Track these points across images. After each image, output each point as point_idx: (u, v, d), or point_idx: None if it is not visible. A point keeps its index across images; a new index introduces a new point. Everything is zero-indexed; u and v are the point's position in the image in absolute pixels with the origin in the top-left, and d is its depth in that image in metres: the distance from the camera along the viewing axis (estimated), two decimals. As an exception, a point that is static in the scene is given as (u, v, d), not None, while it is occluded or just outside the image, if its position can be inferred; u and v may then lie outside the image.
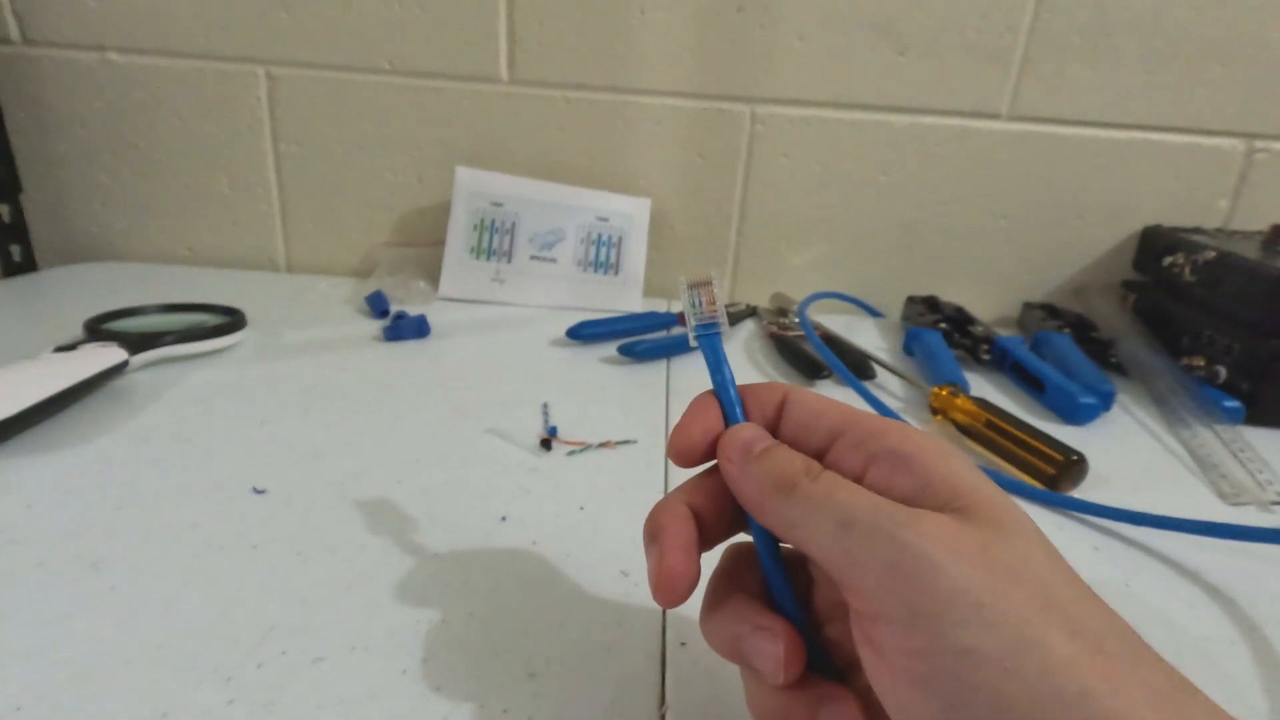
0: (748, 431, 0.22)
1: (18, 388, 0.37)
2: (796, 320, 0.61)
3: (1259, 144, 0.65)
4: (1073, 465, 0.39)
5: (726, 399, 0.23)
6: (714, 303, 0.24)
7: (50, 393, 0.38)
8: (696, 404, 0.23)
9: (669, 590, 0.20)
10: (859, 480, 0.20)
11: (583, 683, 0.25)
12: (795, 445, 0.21)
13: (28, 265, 0.70)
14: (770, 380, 0.24)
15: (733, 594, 0.22)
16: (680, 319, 0.62)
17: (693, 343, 0.25)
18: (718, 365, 0.23)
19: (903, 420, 0.22)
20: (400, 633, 0.26)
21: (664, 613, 0.28)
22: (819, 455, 0.21)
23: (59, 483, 0.34)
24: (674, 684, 0.25)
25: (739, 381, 0.23)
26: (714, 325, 0.24)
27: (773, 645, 0.20)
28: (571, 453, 0.40)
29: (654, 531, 0.22)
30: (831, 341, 0.58)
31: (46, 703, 0.23)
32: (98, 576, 0.28)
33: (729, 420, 0.23)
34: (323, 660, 0.25)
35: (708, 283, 0.24)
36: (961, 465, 0.19)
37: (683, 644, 0.27)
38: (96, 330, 0.48)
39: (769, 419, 0.23)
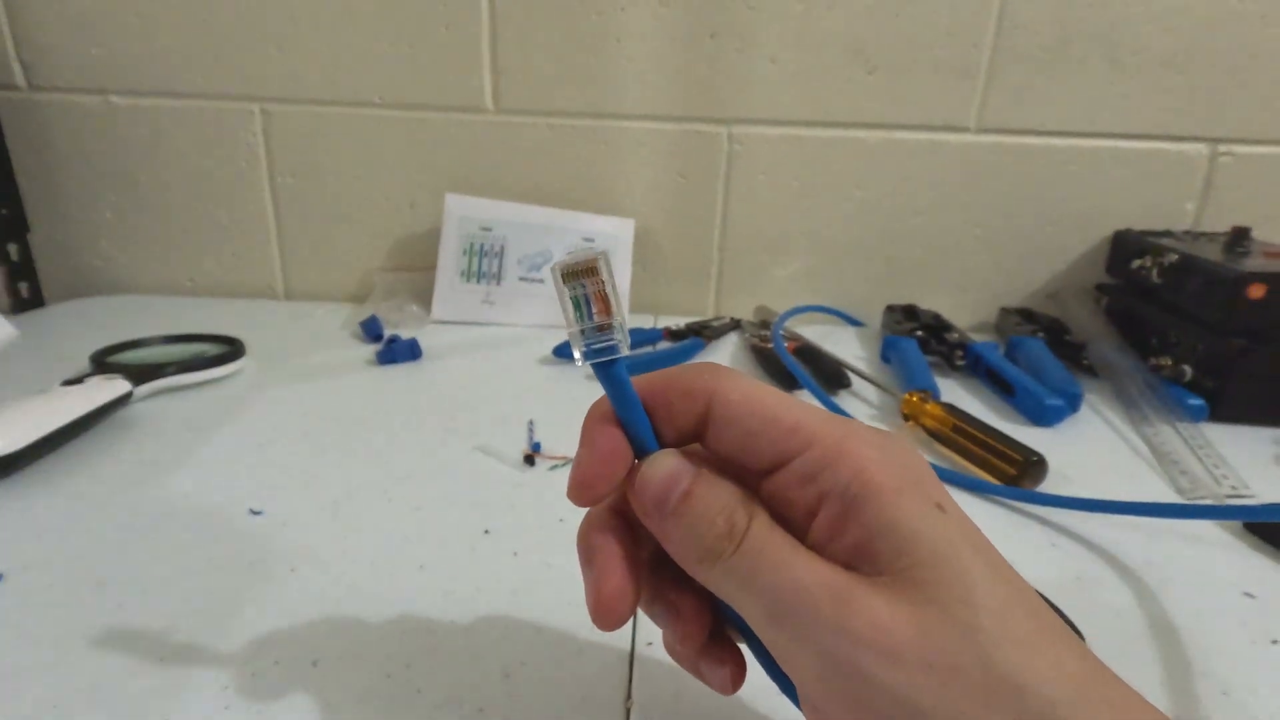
0: (658, 472, 0.19)
1: (28, 422, 0.39)
2: (777, 332, 0.63)
3: (1222, 148, 0.67)
4: (1033, 465, 0.41)
5: (632, 428, 0.19)
6: (606, 304, 0.18)
7: (58, 425, 0.40)
8: (593, 427, 0.19)
9: (608, 616, 0.19)
10: (811, 519, 0.18)
11: (555, 682, 0.27)
12: (733, 460, 0.19)
13: (35, 301, 0.73)
14: (696, 367, 0.20)
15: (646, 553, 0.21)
16: (665, 333, 0.64)
17: (579, 363, 0.18)
18: (620, 396, 0.19)
19: (855, 422, 0.19)
20: (386, 641, 0.28)
21: (635, 616, 0.30)
22: (764, 473, 0.19)
23: (68, 510, 0.36)
24: (640, 681, 0.27)
25: None
26: (610, 342, 0.18)
27: (680, 625, 0.21)
28: (554, 467, 0.42)
29: (587, 554, 0.20)
30: (809, 352, 0.60)
31: (59, 713, 0.25)
32: (103, 597, 0.30)
33: (636, 451, 0.19)
34: (315, 666, 0.27)
35: (591, 269, 0.17)
36: (917, 505, 0.17)
37: (649, 644, 0.29)
38: (102, 363, 0.51)
39: (692, 427, 0.19)
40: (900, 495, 0.17)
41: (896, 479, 0.17)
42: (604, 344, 0.18)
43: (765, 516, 0.18)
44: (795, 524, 0.18)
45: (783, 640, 0.17)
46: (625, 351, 0.18)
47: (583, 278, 0.17)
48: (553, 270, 0.17)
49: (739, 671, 0.22)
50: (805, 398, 0.54)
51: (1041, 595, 0.18)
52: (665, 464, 0.19)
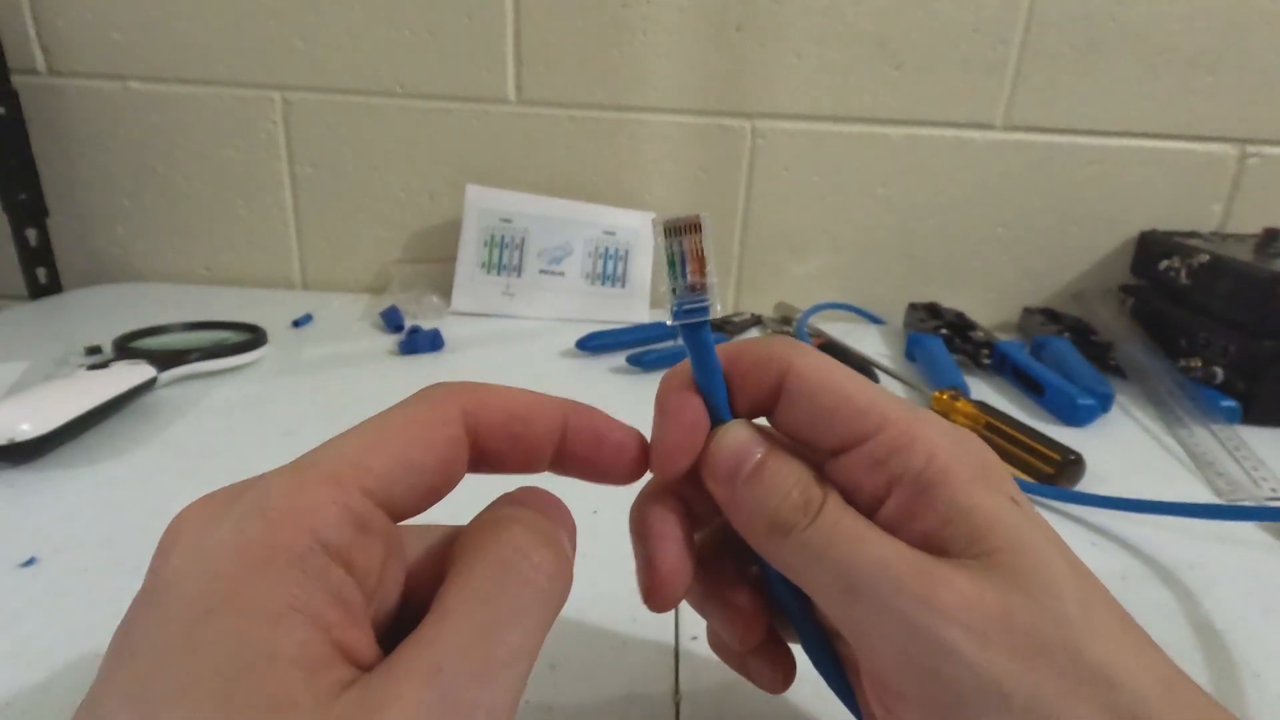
0: (732, 441, 0.19)
1: (55, 404, 0.39)
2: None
3: (1251, 149, 0.67)
4: (1070, 465, 0.40)
5: (711, 396, 0.19)
6: (702, 264, 0.18)
7: (86, 409, 0.40)
8: (673, 396, 0.19)
9: (662, 594, 0.19)
10: (879, 504, 0.17)
11: (601, 675, 0.26)
12: (801, 438, 0.19)
13: (53, 287, 0.72)
14: (771, 340, 0.19)
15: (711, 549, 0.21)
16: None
17: (670, 321, 0.18)
18: (703, 361, 0.18)
19: (927, 410, 0.18)
20: (426, 630, 0.28)
21: (677, 610, 0.30)
22: (833, 453, 0.18)
23: (97, 494, 0.36)
24: (687, 675, 0.26)
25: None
26: (702, 304, 0.18)
27: (738, 623, 0.20)
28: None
29: (640, 529, 0.20)
30: (834, 348, 0.59)
31: (99, 697, 0.24)
32: (137, 581, 0.30)
33: (713, 419, 0.19)
34: (354, 656, 0.26)
35: (694, 226, 0.17)
36: (992, 495, 0.17)
37: (694, 638, 0.28)
38: (125, 348, 0.50)
39: (764, 400, 0.19)
40: (975, 483, 0.17)
41: (971, 468, 0.17)
42: (696, 304, 0.18)
43: (838, 495, 0.18)
44: (861, 509, 0.18)
45: (860, 614, 0.16)
46: (717, 309, 0.18)
47: (683, 235, 0.17)
48: (654, 223, 0.18)
49: (789, 672, 0.21)
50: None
51: None
52: (739, 433, 0.19)
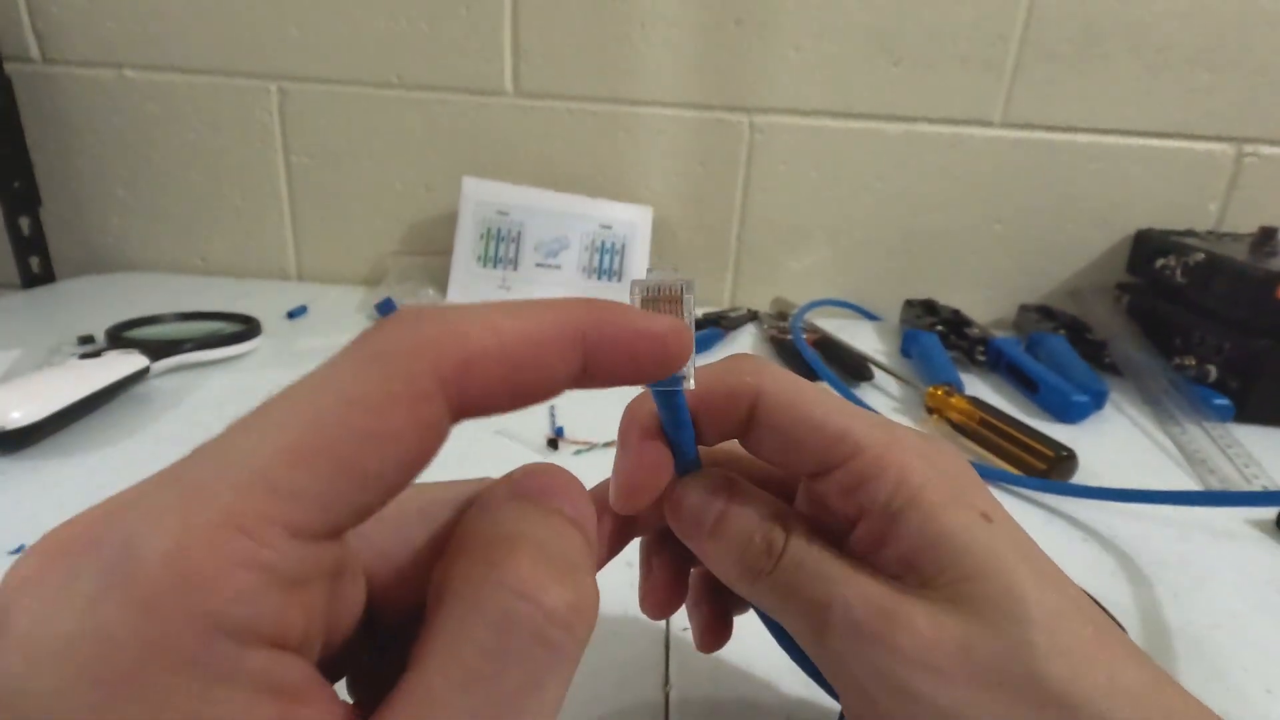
0: (694, 499, 0.19)
1: (47, 393, 0.39)
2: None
3: (1248, 148, 0.67)
4: (1063, 460, 0.41)
5: (679, 446, 0.18)
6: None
7: (78, 397, 0.40)
8: (634, 437, 0.18)
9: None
10: (852, 528, 0.18)
11: (592, 665, 0.26)
12: (773, 463, 0.19)
13: (46, 276, 0.72)
14: (740, 366, 0.19)
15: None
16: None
17: (642, 387, 0.17)
18: (674, 420, 0.18)
19: (901, 428, 0.18)
20: (417, 620, 0.28)
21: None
22: (806, 477, 0.18)
23: (89, 483, 0.36)
24: (677, 667, 0.26)
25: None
26: (675, 378, 0.16)
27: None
28: (578, 452, 0.42)
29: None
30: (830, 344, 0.59)
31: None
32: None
33: (678, 464, 0.19)
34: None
35: (674, 299, 0.16)
36: (962, 516, 0.17)
37: (684, 629, 0.28)
38: (118, 338, 0.50)
39: (734, 430, 0.18)
40: (945, 507, 0.17)
41: (941, 490, 0.17)
42: (672, 376, 0.16)
43: (803, 529, 0.18)
44: (835, 532, 0.18)
45: (827, 656, 0.17)
46: (691, 385, 0.16)
47: (662, 304, 0.16)
48: (632, 292, 0.16)
49: (721, 637, 0.23)
50: (827, 389, 0.54)
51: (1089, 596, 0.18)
52: (698, 490, 0.19)
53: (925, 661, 0.15)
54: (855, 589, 0.17)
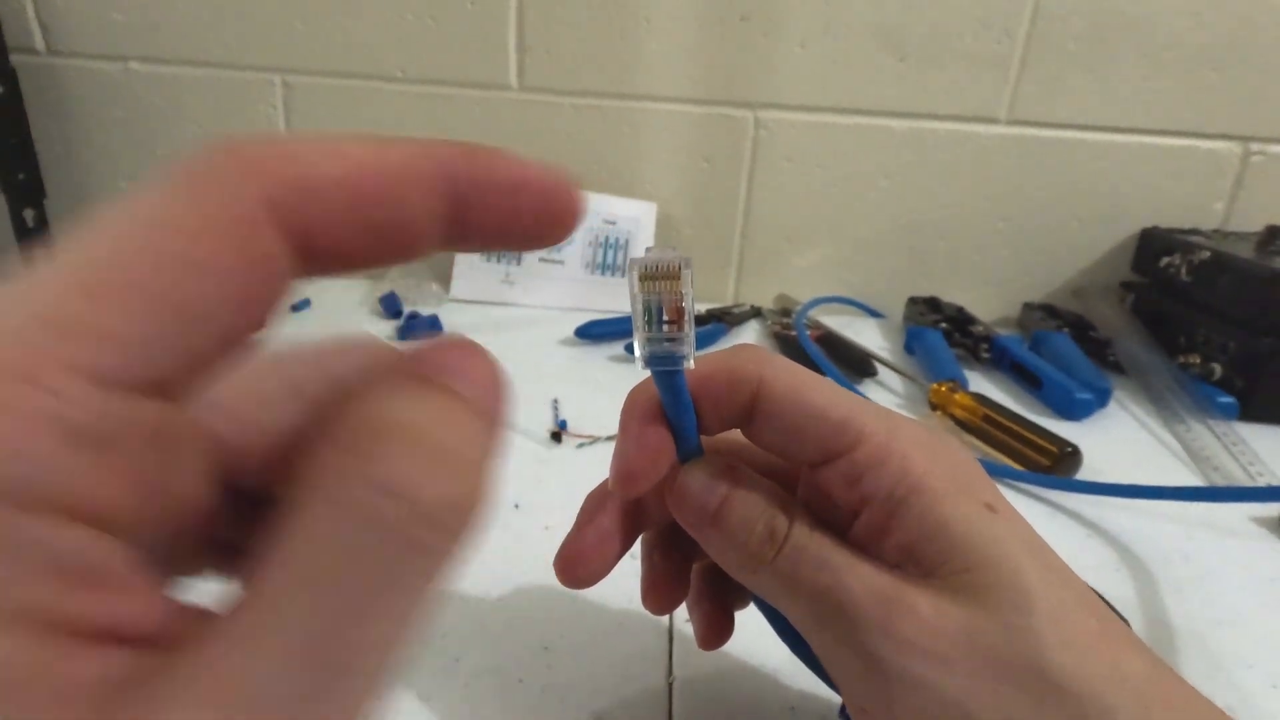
0: (696, 485, 0.18)
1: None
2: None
3: (1254, 147, 0.66)
4: (1067, 457, 0.40)
5: (681, 432, 0.18)
6: (680, 315, 0.16)
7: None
8: (636, 423, 0.18)
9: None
10: (855, 517, 0.17)
11: (595, 657, 0.26)
12: (775, 452, 0.19)
13: (50, 268, 0.72)
14: (742, 356, 0.19)
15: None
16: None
17: (640, 366, 0.17)
18: (675, 402, 0.18)
19: (902, 418, 0.18)
20: (420, 610, 0.28)
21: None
22: (809, 465, 0.18)
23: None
24: (680, 658, 0.26)
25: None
26: (676, 354, 0.16)
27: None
28: (581, 445, 0.42)
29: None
30: (834, 341, 0.59)
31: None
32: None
33: (680, 450, 0.19)
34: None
35: (673, 275, 0.16)
36: (966, 507, 0.17)
37: (687, 620, 0.28)
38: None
39: (737, 418, 0.18)
40: (948, 497, 0.17)
41: (945, 480, 0.17)
42: (669, 353, 0.17)
43: (806, 518, 0.18)
44: (837, 521, 0.18)
45: (828, 643, 0.17)
46: (690, 364, 0.17)
47: (660, 282, 0.16)
48: (630, 269, 0.16)
49: (722, 636, 0.23)
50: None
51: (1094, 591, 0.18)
52: (701, 477, 0.19)
53: (929, 649, 0.15)
54: (858, 577, 0.17)
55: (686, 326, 0.16)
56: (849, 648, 0.16)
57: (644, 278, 0.16)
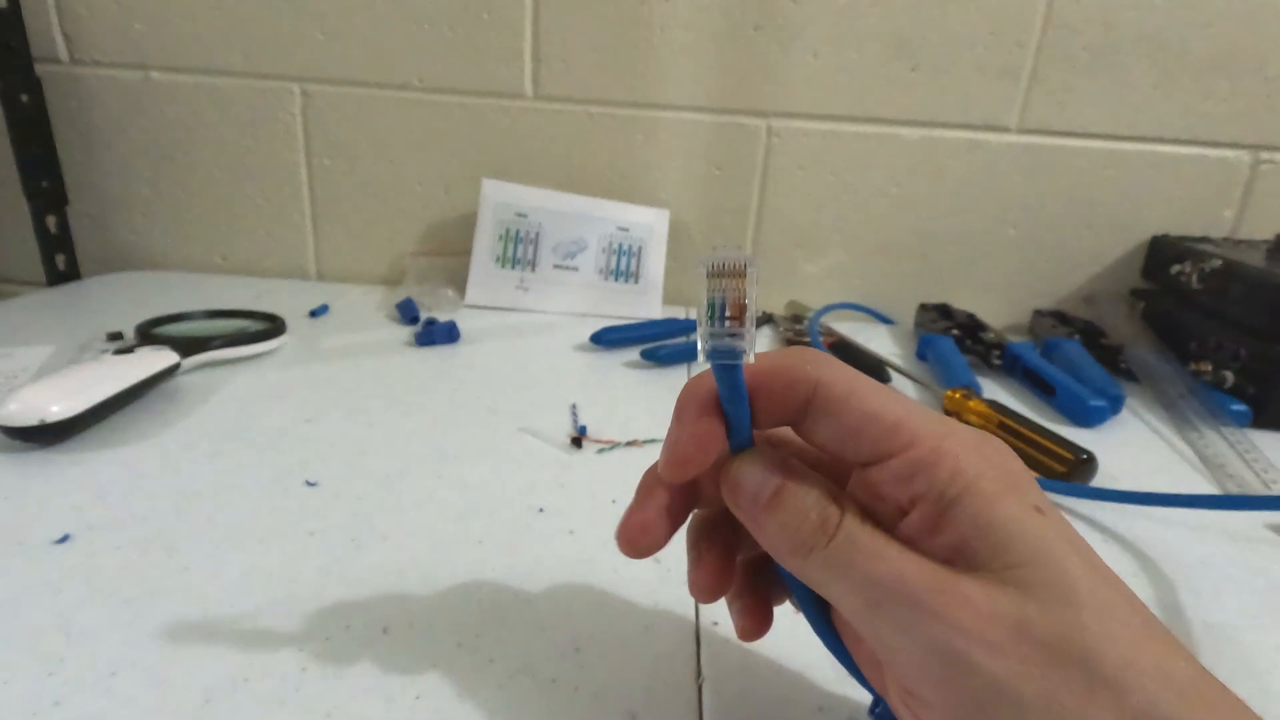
0: (751, 474, 0.19)
1: (84, 387, 0.39)
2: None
3: (1264, 155, 0.67)
4: (1083, 464, 0.41)
5: (736, 422, 0.19)
6: (743, 311, 0.17)
7: (113, 392, 0.40)
8: (691, 410, 0.19)
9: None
10: (903, 516, 0.18)
11: (625, 657, 0.27)
12: (827, 450, 0.19)
13: (71, 274, 0.73)
14: (800, 357, 0.19)
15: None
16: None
17: (701, 359, 0.18)
18: (733, 395, 0.19)
19: (955, 422, 0.19)
20: (453, 611, 0.28)
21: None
22: (859, 465, 0.19)
23: (127, 474, 0.37)
24: (709, 658, 0.27)
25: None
26: (737, 348, 0.17)
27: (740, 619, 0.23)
28: (601, 450, 0.42)
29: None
30: (847, 347, 0.60)
31: (139, 668, 0.25)
32: (171, 558, 0.31)
33: (733, 442, 0.19)
34: (385, 634, 0.27)
35: (739, 273, 0.17)
36: (1015, 508, 0.17)
37: (715, 623, 0.29)
38: (147, 335, 0.51)
39: (790, 416, 0.19)
40: (999, 497, 0.17)
41: (995, 482, 0.17)
42: (730, 348, 0.17)
43: (857, 510, 0.18)
44: (885, 518, 0.19)
45: (881, 628, 0.17)
46: (750, 359, 0.18)
47: (726, 280, 0.17)
48: (698, 266, 0.17)
49: (763, 625, 0.23)
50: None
51: None
52: (756, 466, 0.19)
53: (981, 635, 0.16)
54: (910, 564, 0.17)
55: (748, 323, 0.17)
56: (904, 632, 0.17)
57: (711, 275, 0.17)
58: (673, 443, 0.20)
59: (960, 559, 0.17)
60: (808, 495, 0.19)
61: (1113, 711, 0.15)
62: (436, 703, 0.24)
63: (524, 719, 0.24)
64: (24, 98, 0.67)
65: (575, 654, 0.27)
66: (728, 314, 0.17)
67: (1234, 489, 0.42)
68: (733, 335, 0.17)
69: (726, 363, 0.18)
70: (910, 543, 0.18)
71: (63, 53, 0.70)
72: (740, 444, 0.20)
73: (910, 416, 0.18)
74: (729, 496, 0.20)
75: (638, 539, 0.21)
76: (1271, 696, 0.28)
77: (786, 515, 0.18)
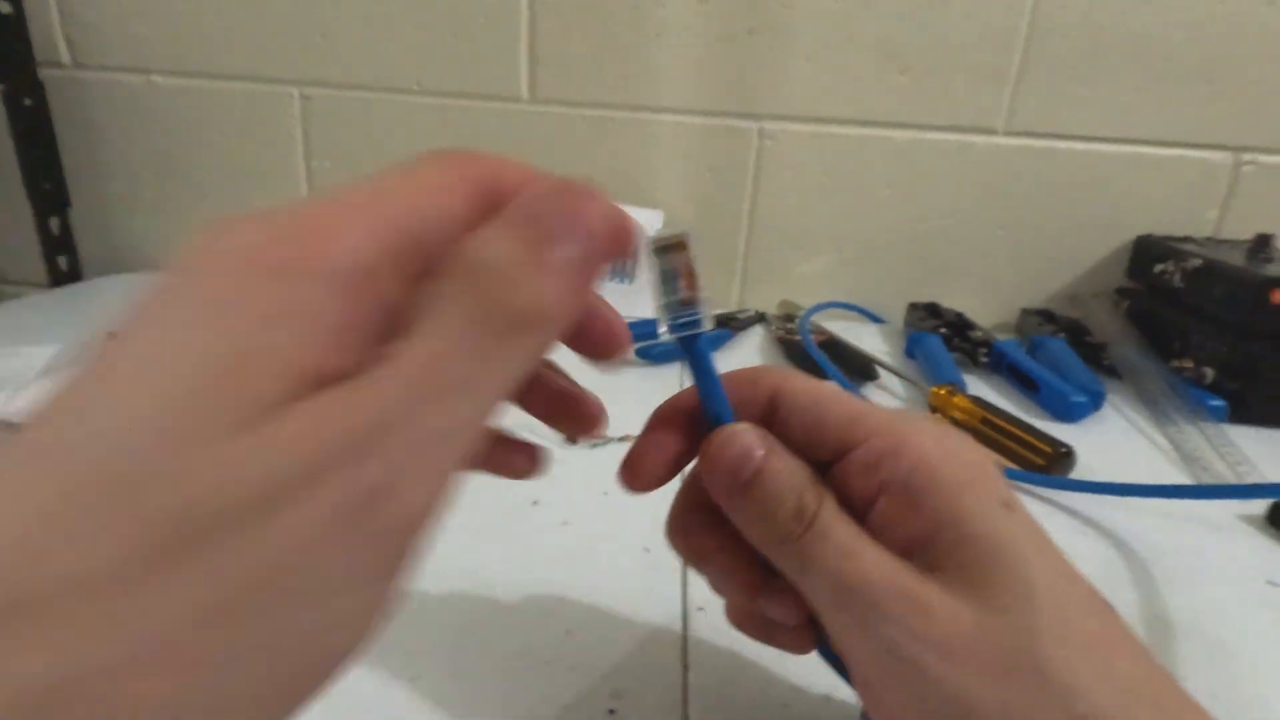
0: (734, 440, 0.19)
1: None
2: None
3: (1246, 157, 0.68)
4: (1061, 457, 0.42)
5: (710, 400, 0.19)
6: (693, 279, 0.18)
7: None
8: (653, 421, 0.20)
9: (627, 470, 0.21)
10: (869, 507, 0.18)
11: (615, 639, 0.28)
12: (794, 450, 0.19)
13: (73, 275, 0.74)
14: (760, 367, 0.21)
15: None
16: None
17: (664, 334, 0.19)
18: (700, 367, 0.19)
19: (919, 417, 0.20)
20: (451, 598, 0.30)
21: (684, 583, 0.31)
22: (827, 463, 0.19)
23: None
24: (694, 642, 0.28)
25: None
26: (695, 316, 0.18)
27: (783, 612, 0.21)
28: (594, 445, 0.44)
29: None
30: (836, 345, 0.61)
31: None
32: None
33: (712, 423, 0.19)
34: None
35: (681, 244, 0.18)
36: (979, 502, 0.17)
37: (700, 609, 0.30)
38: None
39: (757, 418, 0.20)
40: (964, 490, 0.17)
41: (961, 473, 0.18)
42: (689, 318, 0.18)
43: (833, 501, 0.19)
44: (855, 512, 0.19)
45: (844, 624, 0.18)
46: (709, 326, 0.18)
47: (671, 253, 0.18)
48: (643, 246, 0.18)
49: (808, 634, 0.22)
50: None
51: None
52: (737, 437, 0.19)
53: (939, 645, 0.16)
54: (877, 565, 0.17)
55: (699, 290, 0.18)
56: (864, 632, 0.17)
57: (656, 251, 0.18)
58: (629, 451, 0.21)
59: (923, 551, 0.17)
60: (789, 477, 0.19)
61: (1061, 717, 0.15)
62: (433, 683, 0.25)
63: (517, 697, 0.25)
64: (27, 101, 0.68)
65: (567, 637, 0.28)
66: (680, 284, 0.18)
67: (1209, 480, 0.43)
68: (686, 303, 0.18)
69: (688, 333, 0.19)
70: (878, 533, 0.18)
71: (66, 57, 0.71)
72: (716, 416, 0.20)
73: (872, 411, 0.19)
74: (708, 475, 0.20)
75: (635, 474, 0.21)
76: (1241, 679, 0.29)
77: (764, 498, 0.18)
